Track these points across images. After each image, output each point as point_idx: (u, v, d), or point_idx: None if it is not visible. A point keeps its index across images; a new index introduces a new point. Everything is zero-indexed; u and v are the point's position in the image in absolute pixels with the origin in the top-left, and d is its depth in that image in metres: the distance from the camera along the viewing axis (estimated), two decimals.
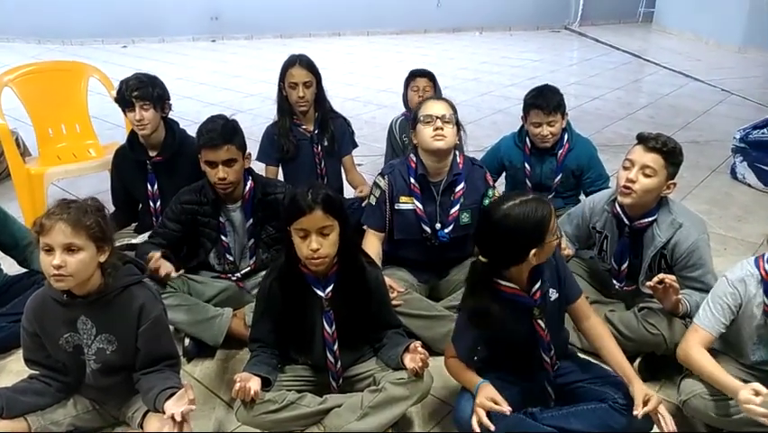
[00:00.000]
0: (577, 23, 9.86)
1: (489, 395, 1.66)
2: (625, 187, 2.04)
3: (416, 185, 2.28)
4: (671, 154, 2.02)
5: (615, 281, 2.26)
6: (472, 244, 2.55)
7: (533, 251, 1.63)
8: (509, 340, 1.78)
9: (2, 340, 2.22)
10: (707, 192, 3.69)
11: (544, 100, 2.63)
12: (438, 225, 2.29)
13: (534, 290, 1.72)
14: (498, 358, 1.82)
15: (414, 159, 2.29)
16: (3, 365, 2.22)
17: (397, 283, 2.23)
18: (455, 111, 2.26)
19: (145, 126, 2.50)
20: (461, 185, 2.29)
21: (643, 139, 2.05)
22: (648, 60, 7.48)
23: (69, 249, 1.57)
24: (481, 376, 1.75)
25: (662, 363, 2.10)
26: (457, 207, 2.29)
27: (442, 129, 2.17)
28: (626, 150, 2.13)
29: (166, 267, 2.07)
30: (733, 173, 3.87)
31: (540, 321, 1.74)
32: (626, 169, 2.05)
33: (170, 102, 2.61)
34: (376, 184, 2.36)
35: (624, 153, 2.12)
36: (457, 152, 2.30)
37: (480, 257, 1.69)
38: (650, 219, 2.09)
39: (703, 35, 8.28)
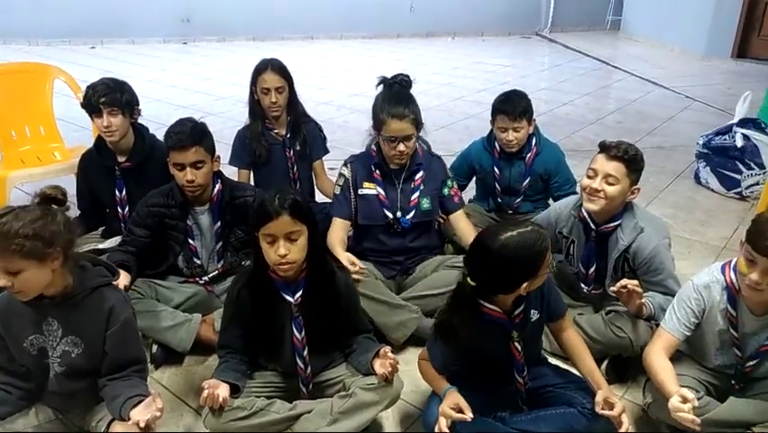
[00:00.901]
0: (547, 30, 10.01)
1: (453, 402, 1.66)
2: (591, 194, 2.07)
3: (378, 172, 2.38)
4: (632, 162, 2.05)
5: (582, 285, 2.30)
6: (440, 237, 2.59)
7: (525, 284, 1.62)
8: (486, 357, 1.78)
9: None
10: (672, 197, 3.77)
11: (510, 106, 2.66)
12: (399, 214, 2.38)
13: (515, 313, 1.73)
14: (473, 371, 1.81)
15: (375, 150, 2.40)
16: None
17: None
18: (419, 117, 2.29)
19: (113, 133, 2.45)
20: (421, 173, 2.41)
21: (605, 148, 2.08)
22: (616, 67, 7.63)
23: (8, 272, 1.50)
24: (453, 382, 1.74)
25: (628, 366, 2.14)
26: (417, 193, 2.39)
27: (403, 151, 2.28)
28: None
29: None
30: (696, 178, 3.97)
31: (517, 344, 1.74)
32: (589, 178, 2.08)
33: (139, 107, 2.56)
34: (340, 174, 2.44)
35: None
36: (416, 145, 2.37)
37: (469, 279, 1.66)
38: (615, 223, 2.13)
39: (668, 43, 8.49)
